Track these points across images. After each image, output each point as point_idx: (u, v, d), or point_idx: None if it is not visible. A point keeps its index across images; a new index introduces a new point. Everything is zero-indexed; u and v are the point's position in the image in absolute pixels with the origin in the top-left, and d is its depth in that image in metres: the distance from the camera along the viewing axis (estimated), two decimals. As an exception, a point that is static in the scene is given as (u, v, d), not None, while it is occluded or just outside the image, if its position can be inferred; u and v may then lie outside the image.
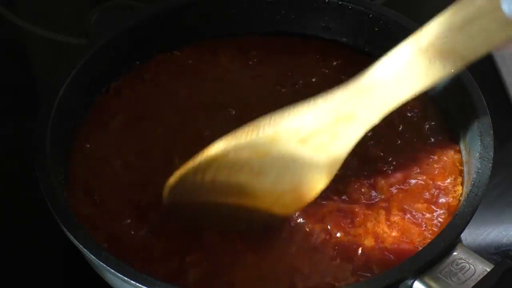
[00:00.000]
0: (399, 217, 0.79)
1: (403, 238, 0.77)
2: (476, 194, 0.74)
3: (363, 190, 0.81)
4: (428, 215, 0.79)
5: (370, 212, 0.79)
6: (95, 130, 0.87)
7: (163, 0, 0.93)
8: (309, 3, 0.95)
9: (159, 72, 0.93)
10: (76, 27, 1.06)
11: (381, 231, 0.78)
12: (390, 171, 0.82)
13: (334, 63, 0.94)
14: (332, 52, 0.95)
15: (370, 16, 0.92)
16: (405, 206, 0.79)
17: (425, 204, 0.80)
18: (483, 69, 1.02)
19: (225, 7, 0.94)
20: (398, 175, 0.82)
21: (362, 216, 0.79)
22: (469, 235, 0.86)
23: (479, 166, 0.76)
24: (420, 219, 0.79)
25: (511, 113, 0.99)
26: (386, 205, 0.80)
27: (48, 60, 1.11)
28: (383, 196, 0.80)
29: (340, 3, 0.93)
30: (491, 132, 0.79)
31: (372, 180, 0.81)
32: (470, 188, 0.75)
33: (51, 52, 1.11)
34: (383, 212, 0.79)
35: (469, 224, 0.73)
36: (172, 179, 0.76)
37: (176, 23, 0.93)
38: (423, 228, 0.78)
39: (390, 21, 0.91)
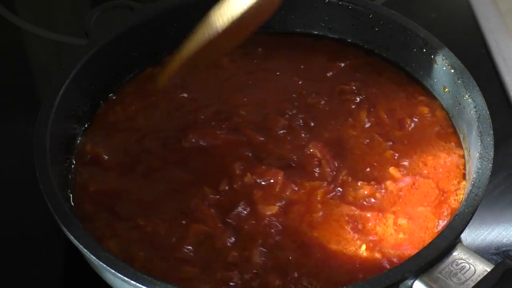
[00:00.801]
0: (405, 220, 0.78)
1: (406, 241, 0.77)
2: (476, 194, 0.74)
3: (376, 195, 0.80)
4: (431, 218, 0.79)
5: (377, 217, 0.79)
6: (98, 129, 0.87)
7: (162, 0, 0.93)
8: (309, 3, 0.95)
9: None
10: (76, 27, 1.07)
11: (388, 234, 0.78)
12: (399, 175, 0.82)
13: (347, 62, 0.94)
14: (341, 50, 0.95)
15: (370, 16, 0.92)
16: (408, 210, 0.79)
17: (428, 208, 0.79)
18: (483, 69, 1.03)
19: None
20: (407, 179, 0.82)
21: (372, 221, 0.78)
22: (469, 235, 0.86)
23: (479, 166, 0.76)
24: (423, 223, 0.78)
25: (511, 113, 0.99)
26: (395, 209, 0.79)
27: (48, 60, 1.11)
28: (389, 201, 0.80)
29: (340, 3, 0.93)
30: (491, 132, 0.79)
31: (382, 185, 0.81)
32: (470, 188, 0.75)
33: (51, 52, 1.11)
34: (392, 216, 0.79)
35: (469, 224, 0.73)
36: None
37: (175, 23, 0.93)
38: (425, 233, 0.77)
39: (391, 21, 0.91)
